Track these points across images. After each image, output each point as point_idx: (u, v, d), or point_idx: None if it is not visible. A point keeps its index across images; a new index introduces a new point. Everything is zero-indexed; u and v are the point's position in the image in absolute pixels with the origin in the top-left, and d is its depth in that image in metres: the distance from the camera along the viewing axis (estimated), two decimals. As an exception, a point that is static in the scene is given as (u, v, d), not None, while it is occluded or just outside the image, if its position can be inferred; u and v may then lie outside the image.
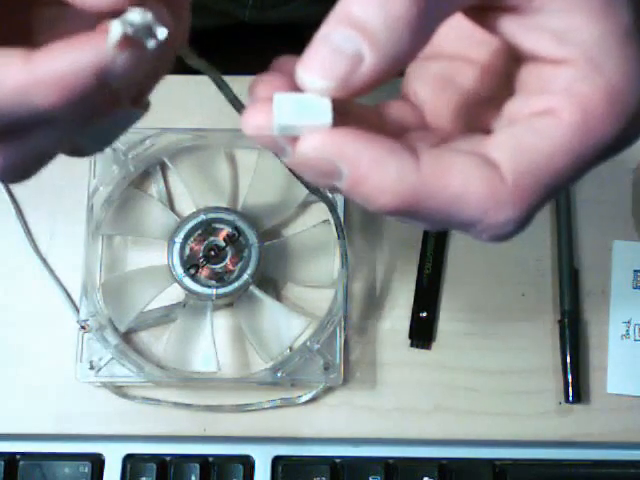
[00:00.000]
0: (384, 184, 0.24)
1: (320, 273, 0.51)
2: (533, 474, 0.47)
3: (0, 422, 0.49)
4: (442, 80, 0.31)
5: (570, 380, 0.49)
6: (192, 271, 0.48)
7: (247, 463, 0.46)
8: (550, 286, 0.52)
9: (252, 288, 0.49)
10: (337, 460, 0.47)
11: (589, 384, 0.50)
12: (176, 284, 0.49)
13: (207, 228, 0.49)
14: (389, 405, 0.50)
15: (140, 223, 0.51)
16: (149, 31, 0.24)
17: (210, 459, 0.47)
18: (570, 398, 0.49)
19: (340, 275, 0.49)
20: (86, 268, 0.49)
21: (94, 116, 0.26)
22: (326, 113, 0.25)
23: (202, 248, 0.49)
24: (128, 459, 0.46)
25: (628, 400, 0.50)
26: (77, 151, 0.30)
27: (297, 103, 0.25)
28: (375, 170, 0.24)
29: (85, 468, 0.46)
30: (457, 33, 0.30)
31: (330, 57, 0.24)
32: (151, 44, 0.24)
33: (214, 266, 0.49)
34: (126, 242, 0.52)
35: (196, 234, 0.49)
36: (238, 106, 0.31)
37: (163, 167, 0.52)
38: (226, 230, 0.49)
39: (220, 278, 0.49)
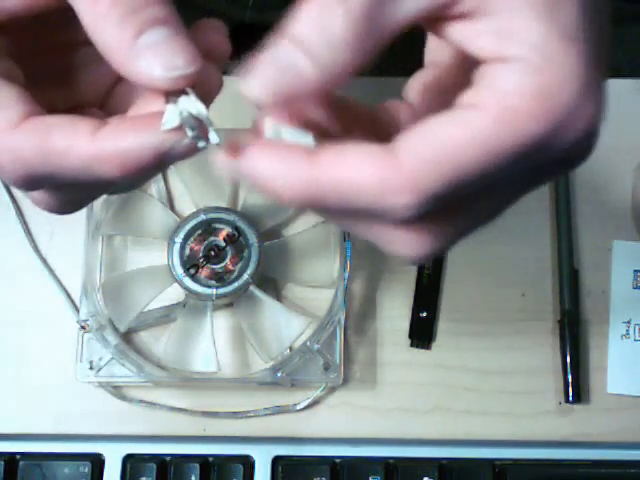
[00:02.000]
0: (279, 183, 0.26)
1: (320, 273, 0.51)
2: (533, 474, 0.47)
3: (0, 422, 0.49)
4: (429, 83, 0.32)
5: (570, 380, 0.49)
6: (192, 271, 0.48)
7: (247, 463, 0.46)
8: (550, 286, 0.52)
9: (252, 288, 0.49)
10: (337, 460, 0.47)
11: (589, 384, 0.50)
12: (176, 284, 0.49)
13: (207, 228, 0.49)
14: (389, 405, 0.50)
15: (140, 223, 0.51)
16: (199, 124, 0.27)
17: (210, 459, 0.47)
18: (570, 398, 0.49)
19: (340, 275, 0.49)
20: (86, 268, 0.49)
21: (143, 181, 0.29)
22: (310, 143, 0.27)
23: (202, 248, 0.49)
24: (128, 459, 0.46)
25: (628, 400, 0.50)
26: (115, 192, 0.33)
27: (288, 134, 0.27)
28: (268, 173, 0.26)
29: (85, 468, 0.46)
30: (436, 44, 0.32)
31: (268, 68, 0.26)
32: (202, 144, 0.27)
33: (214, 266, 0.49)
34: (126, 242, 0.52)
35: (196, 234, 0.49)
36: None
37: (163, 167, 0.52)
38: (226, 230, 0.49)
39: (220, 278, 0.49)
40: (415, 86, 0.33)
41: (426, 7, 0.26)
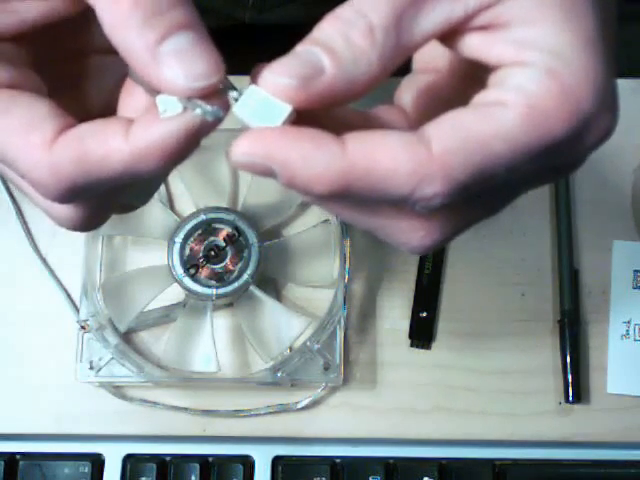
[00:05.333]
0: (313, 176, 0.26)
1: (320, 273, 0.51)
2: (533, 474, 0.47)
3: (0, 422, 0.49)
4: (425, 89, 0.32)
5: (570, 380, 0.49)
6: (192, 271, 0.48)
7: (247, 463, 0.46)
8: (550, 286, 0.52)
9: (252, 288, 0.49)
10: (337, 460, 0.47)
11: (589, 384, 0.50)
12: (176, 284, 0.49)
13: (207, 228, 0.49)
14: (389, 405, 0.50)
15: (140, 223, 0.51)
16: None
17: (210, 459, 0.47)
18: (570, 398, 0.49)
19: (340, 275, 0.49)
20: (86, 268, 0.49)
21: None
22: (279, 118, 0.26)
23: (202, 248, 0.49)
24: (128, 459, 0.46)
25: (628, 400, 0.50)
26: (127, 208, 0.33)
27: (263, 103, 0.26)
28: (302, 165, 0.26)
29: (85, 468, 0.46)
30: (431, 50, 0.32)
31: (293, 62, 0.26)
32: (219, 114, 0.26)
33: (214, 266, 0.49)
34: (126, 242, 0.52)
35: (196, 234, 0.49)
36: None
37: (163, 167, 0.52)
38: (226, 230, 0.49)
39: (220, 278, 0.49)
40: (408, 91, 0.32)
41: (446, 24, 0.26)
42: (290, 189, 0.27)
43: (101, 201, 0.31)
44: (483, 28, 0.27)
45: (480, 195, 0.28)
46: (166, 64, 0.26)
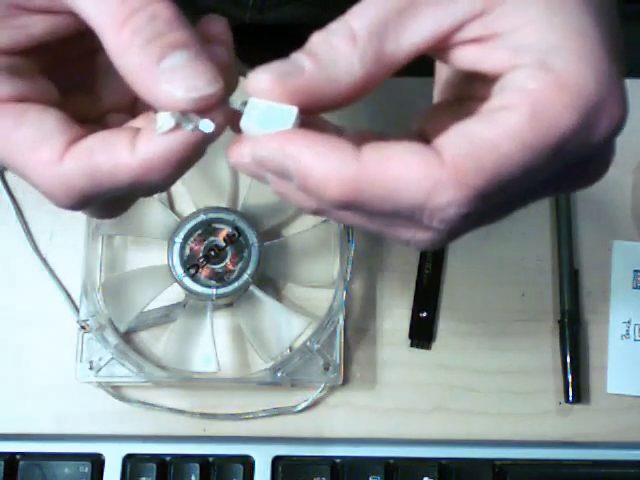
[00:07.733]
0: (327, 176, 0.26)
1: (320, 273, 0.51)
2: (533, 474, 0.47)
3: (0, 422, 0.49)
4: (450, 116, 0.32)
5: (570, 380, 0.49)
6: (192, 271, 0.48)
7: (247, 463, 0.46)
8: (550, 286, 0.52)
9: (252, 288, 0.49)
10: (337, 460, 0.47)
11: (589, 384, 0.50)
12: (176, 284, 0.49)
13: (207, 228, 0.49)
14: (389, 405, 0.50)
15: (140, 223, 0.51)
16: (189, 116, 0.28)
17: (210, 459, 0.47)
18: (570, 398, 0.49)
19: (340, 275, 0.49)
20: (86, 268, 0.49)
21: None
22: (289, 121, 0.27)
23: (202, 248, 0.49)
24: (128, 459, 0.46)
25: (628, 400, 0.50)
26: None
27: (266, 110, 0.27)
28: (317, 164, 0.26)
29: (85, 468, 0.46)
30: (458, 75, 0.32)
31: (275, 64, 0.27)
32: (208, 129, 0.28)
33: (214, 266, 0.49)
34: (126, 242, 0.52)
35: (196, 234, 0.49)
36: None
37: (163, 167, 0.52)
38: (226, 230, 0.49)
39: (220, 278, 0.49)
40: (430, 123, 0.32)
41: (434, 34, 0.27)
42: (306, 194, 0.27)
43: (119, 199, 0.32)
44: (476, 40, 0.27)
45: (501, 203, 0.28)
46: (164, 79, 0.27)
